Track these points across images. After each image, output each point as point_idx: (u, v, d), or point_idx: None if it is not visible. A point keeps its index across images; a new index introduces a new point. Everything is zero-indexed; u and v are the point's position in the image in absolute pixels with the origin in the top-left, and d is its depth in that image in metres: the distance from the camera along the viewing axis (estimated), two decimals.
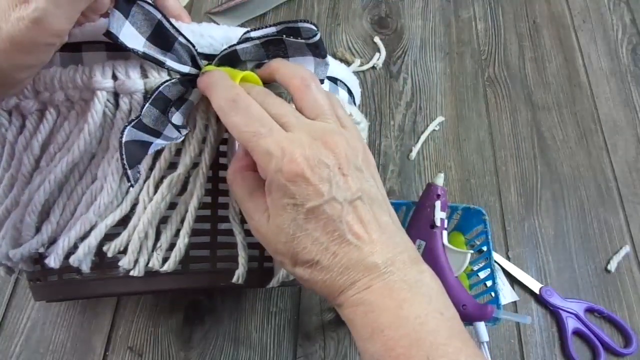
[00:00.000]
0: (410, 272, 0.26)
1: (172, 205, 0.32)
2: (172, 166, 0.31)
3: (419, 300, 0.26)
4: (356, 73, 0.70)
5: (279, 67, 0.30)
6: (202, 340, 0.50)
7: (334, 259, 0.26)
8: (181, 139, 0.29)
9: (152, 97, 0.28)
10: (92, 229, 0.31)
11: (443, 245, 0.47)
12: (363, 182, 0.28)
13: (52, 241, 0.32)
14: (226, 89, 0.28)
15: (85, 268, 0.32)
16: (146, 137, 0.28)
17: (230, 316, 0.51)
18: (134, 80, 0.29)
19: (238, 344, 0.50)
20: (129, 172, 0.26)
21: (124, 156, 0.26)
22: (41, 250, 0.32)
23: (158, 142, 0.28)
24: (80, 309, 0.50)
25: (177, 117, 0.30)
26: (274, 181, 0.26)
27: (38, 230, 0.31)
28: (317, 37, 0.30)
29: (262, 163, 0.26)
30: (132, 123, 0.27)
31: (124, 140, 0.26)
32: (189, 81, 0.30)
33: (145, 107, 0.28)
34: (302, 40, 0.30)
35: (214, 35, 0.31)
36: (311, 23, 0.30)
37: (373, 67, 0.71)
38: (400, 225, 0.29)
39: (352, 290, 0.26)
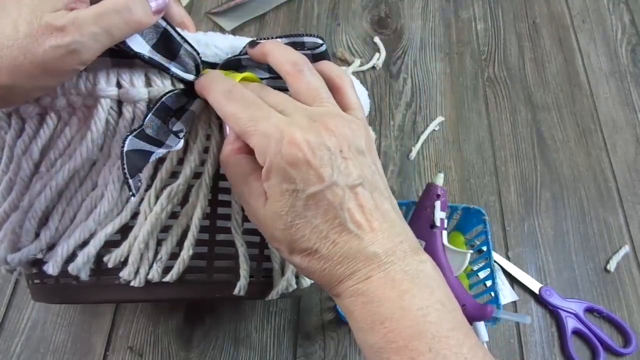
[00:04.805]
0: (411, 262, 0.26)
1: (175, 215, 0.32)
2: (175, 175, 0.31)
3: (421, 291, 0.25)
4: (356, 73, 0.70)
5: (271, 50, 0.29)
6: (202, 340, 0.50)
7: (333, 247, 0.25)
8: (181, 146, 0.29)
9: (155, 107, 0.28)
10: (91, 237, 0.31)
11: (443, 245, 0.47)
12: (364, 167, 0.27)
13: (51, 247, 0.32)
14: (222, 82, 0.28)
15: (84, 276, 0.32)
16: (148, 147, 0.28)
17: (230, 316, 0.51)
18: (138, 88, 0.29)
19: (238, 344, 0.50)
20: (130, 181, 0.26)
21: (125, 165, 0.26)
22: (39, 256, 0.32)
23: (159, 151, 0.28)
24: (80, 309, 0.50)
25: (177, 127, 0.30)
26: (274, 165, 0.25)
27: (37, 235, 0.31)
28: (323, 48, 0.31)
29: (261, 147, 0.25)
30: (134, 133, 0.27)
31: (125, 149, 0.26)
32: (191, 90, 0.30)
33: (147, 118, 0.28)
34: (308, 51, 0.30)
35: (219, 45, 0.31)
36: (317, 37, 0.30)
37: (373, 67, 0.71)
38: (400, 213, 0.28)
39: (351, 280, 0.25)
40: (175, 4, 0.32)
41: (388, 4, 0.78)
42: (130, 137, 0.27)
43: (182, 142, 0.29)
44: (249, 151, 0.27)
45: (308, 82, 0.28)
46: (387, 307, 0.25)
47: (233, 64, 0.31)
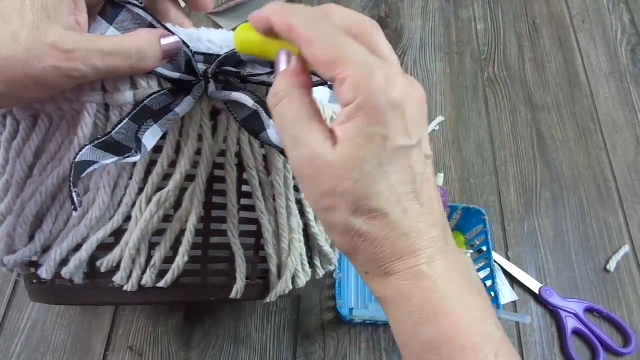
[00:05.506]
0: (460, 256, 0.24)
1: (170, 218, 0.31)
2: (168, 177, 0.30)
3: (476, 289, 0.23)
4: None
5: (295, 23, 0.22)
6: (202, 340, 0.50)
7: (402, 215, 0.22)
8: (138, 158, 0.27)
9: (133, 112, 0.27)
10: (83, 241, 0.30)
11: None
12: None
13: (46, 249, 0.32)
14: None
15: (78, 280, 0.32)
16: (101, 155, 0.26)
17: (230, 316, 0.51)
18: (123, 92, 0.28)
19: (238, 343, 0.50)
20: (74, 194, 0.24)
21: (72, 177, 0.24)
22: (34, 258, 0.32)
23: (104, 163, 0.26)
24: (80, 309, 0.50)
25: (153, 130, 0.28)
26: (370, 102, 0.20)
27: (32, 238, 0.31)
28: None
29: (358, 79, 0.21)
30: (96, 142, 0.26)
31: (78, 160, 0.25)
32: (180, 89, 0.29)
33: (121, 124, 0.27)
34: None
35: (212, 39, 0.30)
36: None
37: None
38: None
39: (414, 258, 0.22)
40: (175, 8, 0.32)
41: (388, 4, 0.78)
42: (89, 147, 0.26)
43: (138, 157, 0.27)
44: (311, 89, 0.24)
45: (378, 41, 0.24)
46: (452, 298, 0.22)
47: (232, 60, 0.30)
